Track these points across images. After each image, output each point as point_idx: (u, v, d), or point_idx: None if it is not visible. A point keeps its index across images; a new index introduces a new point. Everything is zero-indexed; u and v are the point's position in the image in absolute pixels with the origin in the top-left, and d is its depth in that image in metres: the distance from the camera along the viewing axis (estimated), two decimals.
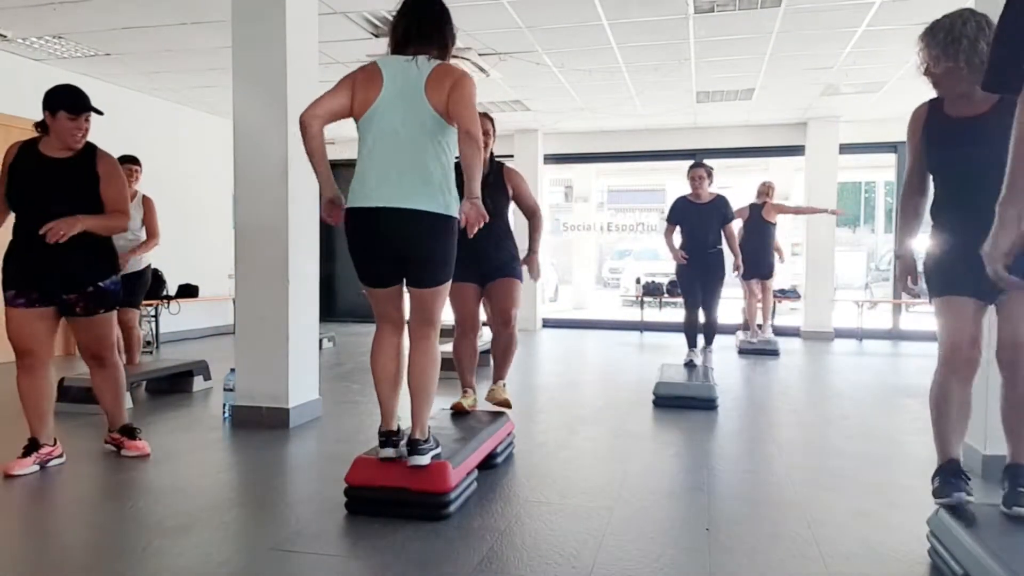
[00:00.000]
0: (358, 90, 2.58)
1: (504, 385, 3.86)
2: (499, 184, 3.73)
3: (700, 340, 6.02)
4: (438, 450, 2.80)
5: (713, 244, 5.80)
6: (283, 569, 2.33)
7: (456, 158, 2.62)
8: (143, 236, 5.53)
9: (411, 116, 2.52)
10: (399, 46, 2.63)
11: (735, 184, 15.88)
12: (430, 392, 2.74)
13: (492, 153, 3.76)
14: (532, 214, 3.92)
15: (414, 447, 2.69)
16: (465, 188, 2.55)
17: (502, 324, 3.76)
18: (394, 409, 2.81)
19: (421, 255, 2.61)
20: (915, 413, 4.88)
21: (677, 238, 5.97)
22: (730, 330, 8.80)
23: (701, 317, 5.96)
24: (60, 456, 3.51)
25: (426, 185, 2.52)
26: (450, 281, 2.76)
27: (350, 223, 2.62)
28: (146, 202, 5.53)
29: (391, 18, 2.69)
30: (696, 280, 5.87)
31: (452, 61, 2.69)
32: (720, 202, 5.86)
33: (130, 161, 5.47)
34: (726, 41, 6.04)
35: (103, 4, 5.29)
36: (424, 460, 2.69)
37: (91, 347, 3.49)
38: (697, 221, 5.84)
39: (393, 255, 2.62)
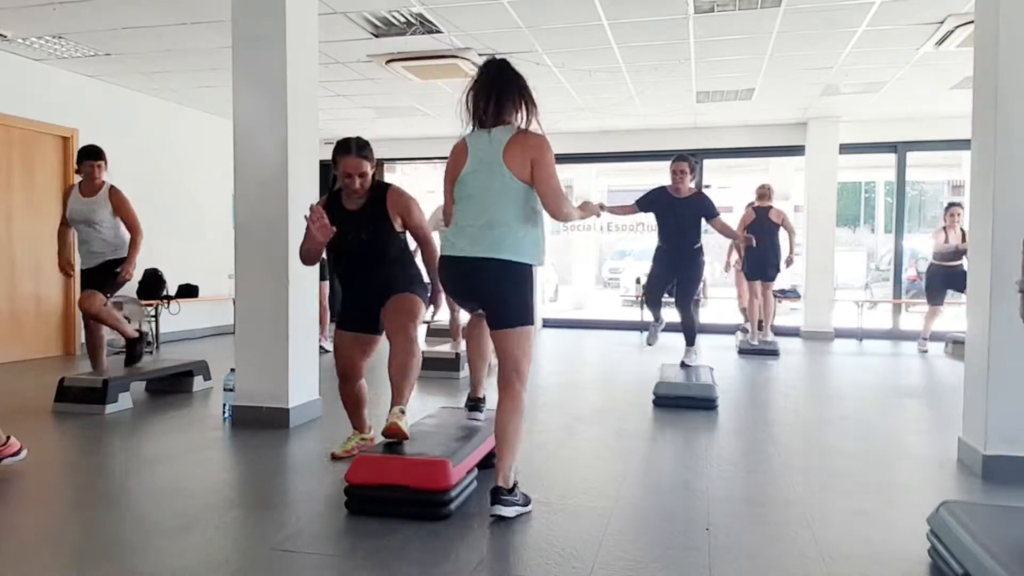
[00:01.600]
0: (452, 169, 2.87)
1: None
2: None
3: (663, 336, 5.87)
4: (527, 508, 2.83)
5: (691, 242, 5.46)
6: (283, 569, 2.33)
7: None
8: (122, 231, 5.11)
9: (492, 182, 2.74)
10: (480, 123, 2.79)
11: (735, 184, 15.87)
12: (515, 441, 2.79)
13: None
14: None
15: (497, 495, 2.71)
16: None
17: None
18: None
19: (493, 297, 2.78)
20: (915, 413, 4.88)
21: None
22: (730, 330, 8.81)
23: (667, 315, 5.78)
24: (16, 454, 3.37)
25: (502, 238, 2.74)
26: (531, 326, 2.82)
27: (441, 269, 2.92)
28: (114, 194, 5.06)
29: (468, 91, 2.81)
30: (669, 277, 5.58)
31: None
32: (701, 198, 5.50)
33: (91, 156, 5.01)
34: (726, 41, 6.04)
35: (103, 4, 5.28)
36: (508, 512, 2.71)
37: None
38: (672, 216, 5.44)
39: (472, 296, 2.92)
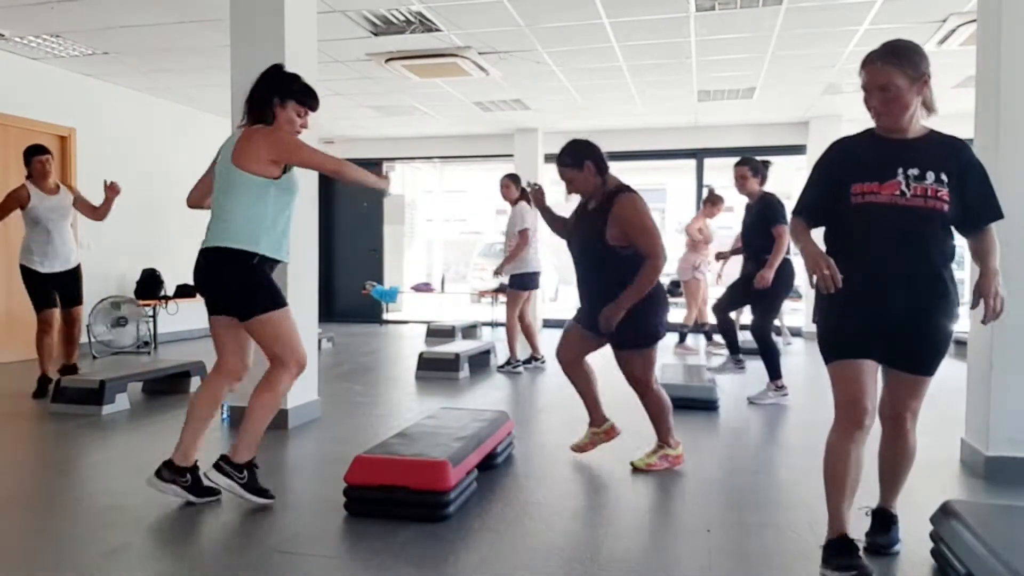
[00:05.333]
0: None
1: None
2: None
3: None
4: None
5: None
6: (283, 570, 2.31)
7: None
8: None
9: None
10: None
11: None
12: None
13: None
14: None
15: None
16: None
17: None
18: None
19: None
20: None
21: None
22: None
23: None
24: None
25: None
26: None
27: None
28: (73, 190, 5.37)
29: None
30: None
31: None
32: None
33: (39, 152, 5.16)
34: (727, 40, 6.02)
35: (101, 2, 5.26)
36: None
37: None
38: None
39: None
